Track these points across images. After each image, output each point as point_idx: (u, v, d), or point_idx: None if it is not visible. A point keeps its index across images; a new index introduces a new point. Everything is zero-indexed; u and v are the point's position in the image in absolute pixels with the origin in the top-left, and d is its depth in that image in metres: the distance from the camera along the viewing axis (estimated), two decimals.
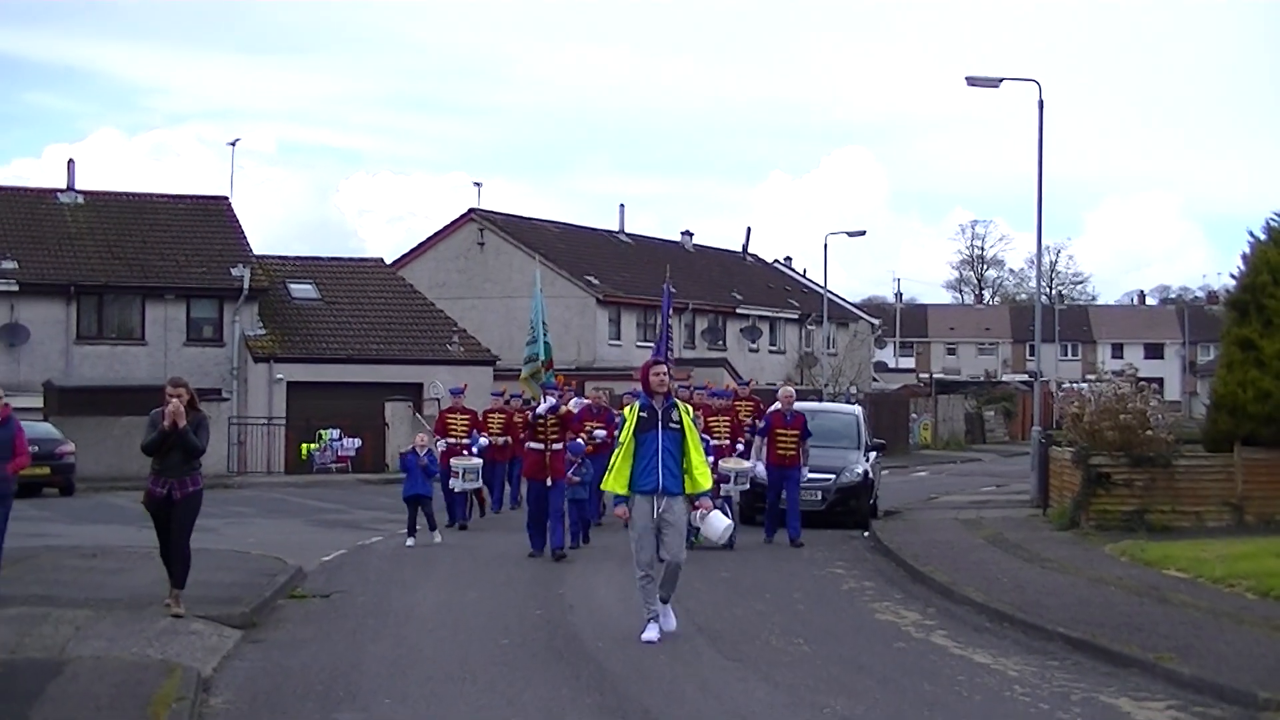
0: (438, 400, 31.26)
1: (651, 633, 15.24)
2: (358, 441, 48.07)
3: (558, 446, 23.11)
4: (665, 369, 15.78)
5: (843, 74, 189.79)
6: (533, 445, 23.26)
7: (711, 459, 22.04)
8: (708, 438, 23.92)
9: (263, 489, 42.38)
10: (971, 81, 34.65)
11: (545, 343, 28.19)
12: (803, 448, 25.65)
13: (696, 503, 15.55)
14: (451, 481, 26.97)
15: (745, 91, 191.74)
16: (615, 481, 15.38)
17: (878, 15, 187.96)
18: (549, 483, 22.68)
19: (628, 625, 16.41)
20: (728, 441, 26.15)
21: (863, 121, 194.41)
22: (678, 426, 15.32)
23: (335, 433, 47.94)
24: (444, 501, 27.43)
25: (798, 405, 26.98)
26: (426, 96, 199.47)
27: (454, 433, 28.22)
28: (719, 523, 16.25)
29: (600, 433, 27.48)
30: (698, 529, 16.73)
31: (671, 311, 26.29)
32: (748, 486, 25.63)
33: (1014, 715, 12.20)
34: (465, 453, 27.65)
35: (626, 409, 16.18)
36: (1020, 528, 26.16)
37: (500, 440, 29.29)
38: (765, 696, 12.77)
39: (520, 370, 27.58)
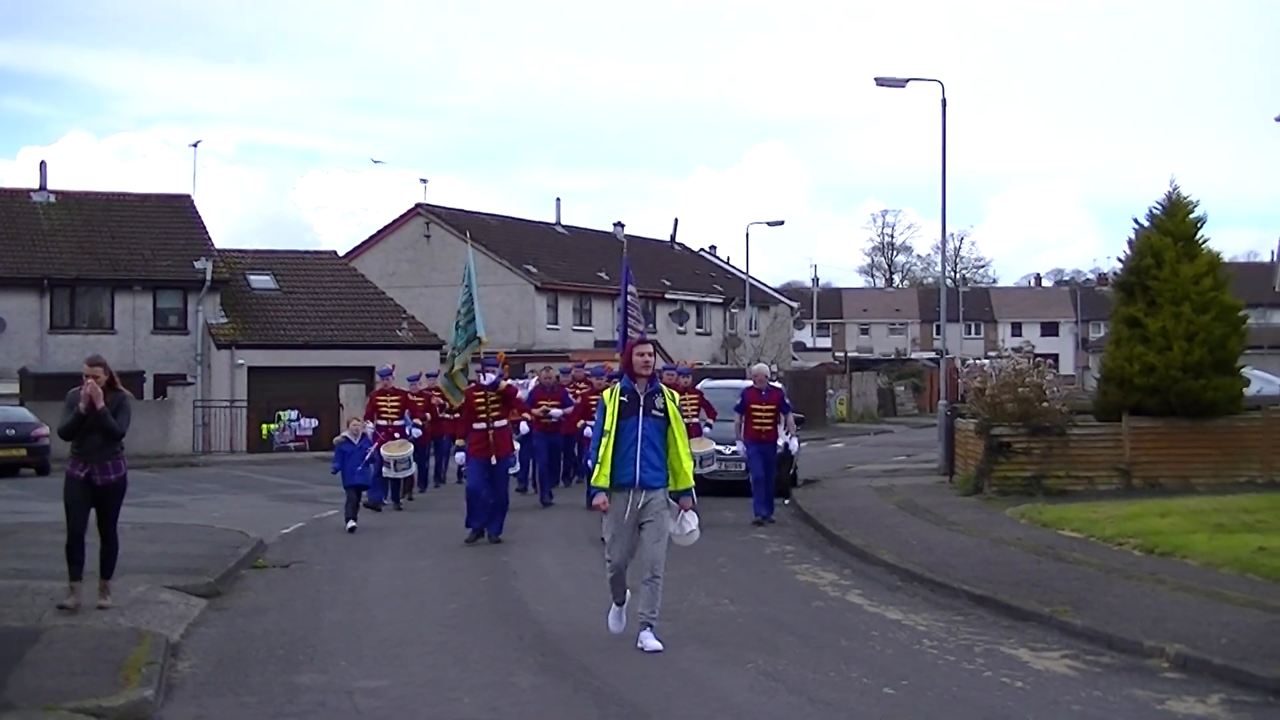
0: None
1: (616, 623, 13.39)
2: (314, 422, 47.98)
3: (501, 424, 21.22)
4: (650, 349, 13.52)
5: (762, 75, 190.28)
6: (476, 426, 21.12)
7: None
8: None
9: (226, 467, 42.26)
10: (880, 82, 34.74)
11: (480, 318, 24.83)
12: (785, 420, 24.38)
13: (678, 501, 13.15)
14: (384, 471, 25.23)
15: (672, 92, 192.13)
16: (599, 474, 12.94)
17: (794, 20, 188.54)
18: (493, 461, 21.00)
19: (567, 589, 16.54)
20: (695, 421, 25.14)
21: (781, 119, 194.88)
22: (661, 414, 13.00)
23: (293, 414, 47.84)
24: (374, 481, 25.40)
25: (719, 383, 28.03)
26: (376, 99, 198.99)
27: (385, 415, 26.36)
28: (690, 523, 13.24)
29: (556, 412, 27.10)
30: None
31: (632, 289, 24.73)
32: (715, 466, 25.07)
33: (923, 667, 12.25)
34: (397, 435, 25.87)
35: (606, 393, 13.56)
36: (929, 494, 26.26)
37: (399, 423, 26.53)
38: (694, 653, 12.78)
39: (455, 353, 24.96)
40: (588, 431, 22.97)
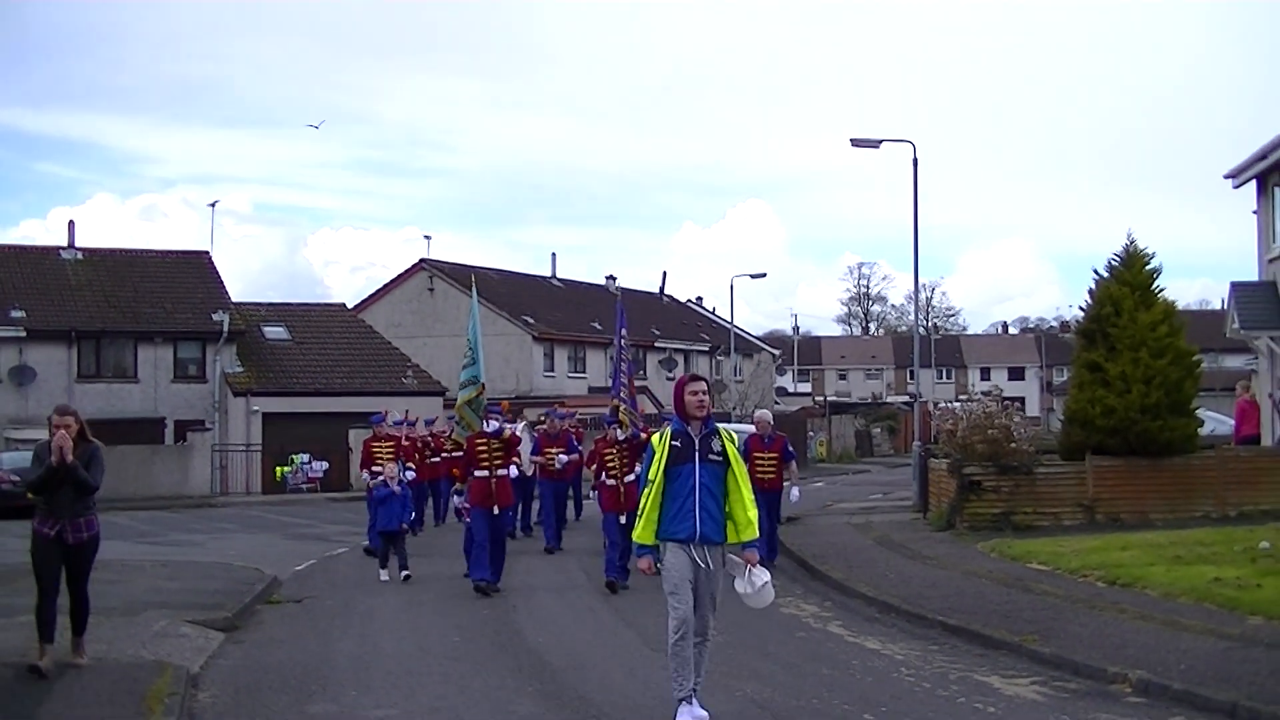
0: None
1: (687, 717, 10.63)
2: (325, 464, 48.03)
3: (502, 472, 19.46)
4: (704, 387, 11.20)
5: (744, 139, 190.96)
6: (478, 473, 19.37)
7: None
8: None
9: (242, 507, 42.15)
10: (855, 143, 34.82)
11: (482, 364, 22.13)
12: (789, 469, 22.98)
13: (743, 554, 10.97)
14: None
15: (661, 154, 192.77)
16: (643, 529, 10.80)
17: (774, 87, 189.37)
18: (495, 510, 19.28)
19: (564, 622, 16.47)
20: None
21: (763, 178, 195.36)
22: (719, 458, 10.85)
23: (305, 457, 47.84)
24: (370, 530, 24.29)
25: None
26: (383, 162, 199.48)
27: (380, 460, 24.77)
28: (759, 578, 11.10)
29: (563, 458, 25.59)
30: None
31: (625, 332, 22.86)
32: None
33: (901, 694, 12.22)
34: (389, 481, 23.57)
35: (654, 437, 11.26)
36: (904, 529, 26.20)
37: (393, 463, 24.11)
38: None
39: (457, 397, 22.29)
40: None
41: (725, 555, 10.97)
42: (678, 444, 10.89)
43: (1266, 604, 14.82)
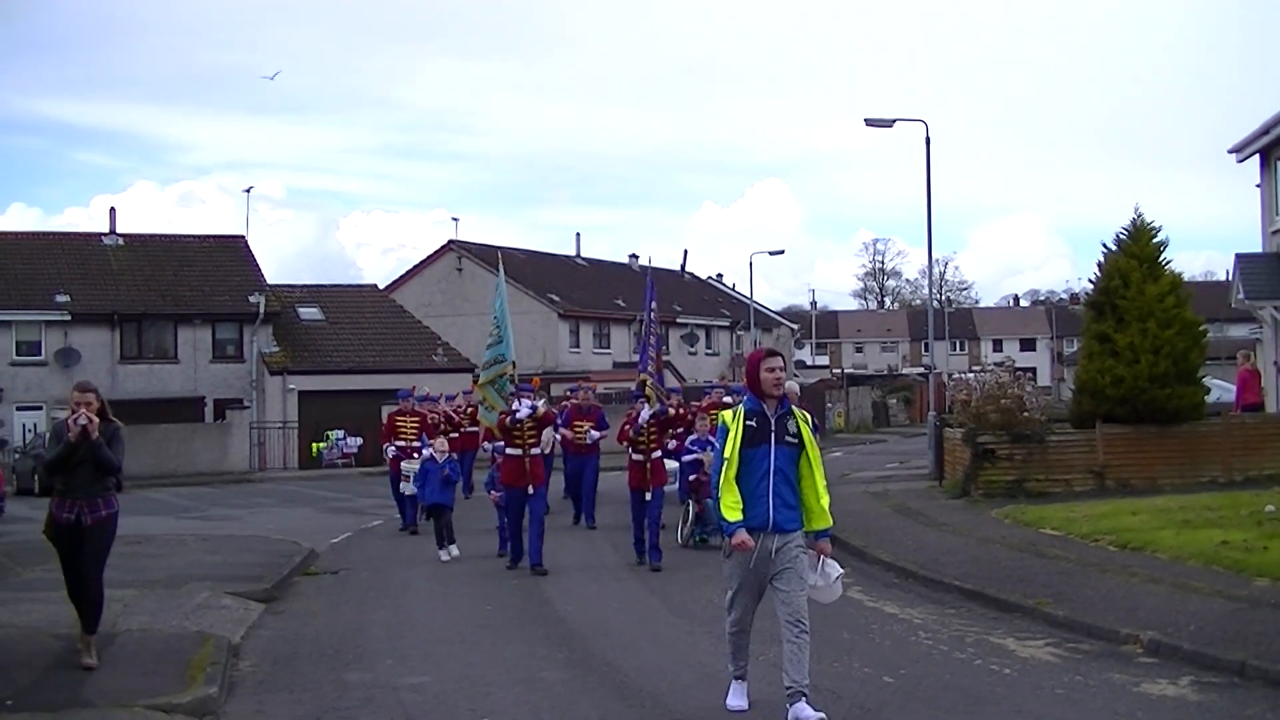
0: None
1: (738, 700, 10.25)
2: (359, 440, 48.07)
3: (536, 452, 18.47)
4: (780, 362, 10.06)
5: (762, 120, 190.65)
6: (510, 451, 18.54)
7: (702, 452, 20.36)
8: (711, 439, 20.73)
9: (280, 482, 42.29)
10: (869, 123, 34.76)
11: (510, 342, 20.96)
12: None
13: (816, 544, 10.10)
14: (403, 486, 23.87)
15: (681, 135, 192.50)
16: (729, 505, 9.68)
17: (791, 69, 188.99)
18: (530, 490, 18.26)
19: (590, 592, 16.46)
20: None
21: (780, 158, 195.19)
22: (795, 440, 9.86)
23: (340, 433, 47.94)
24: (395, 504, 24.88)
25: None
26: (412, 146, 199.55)
27: (404, 435, 24.73)
28: (834, 570, 10.21)
29: (595, 434, 24.22)
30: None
31: (655, 305, 21.89)
32: None
33: (919, 657, 12.21)
34: (416, 454, 23.69)
35: (728, 413, 10.07)
36: (920, 497, 26.15)
37: (416, 444, 24.27)
38: (710, 647, 12.73)
39: (480, 375, 21.40)
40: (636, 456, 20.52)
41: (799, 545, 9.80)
42: (752, 424, 9.78)
43: (1272, 566, 14.77)
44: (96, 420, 11.60)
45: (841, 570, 10.34)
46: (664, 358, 22.01)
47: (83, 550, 11.53)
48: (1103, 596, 14.19)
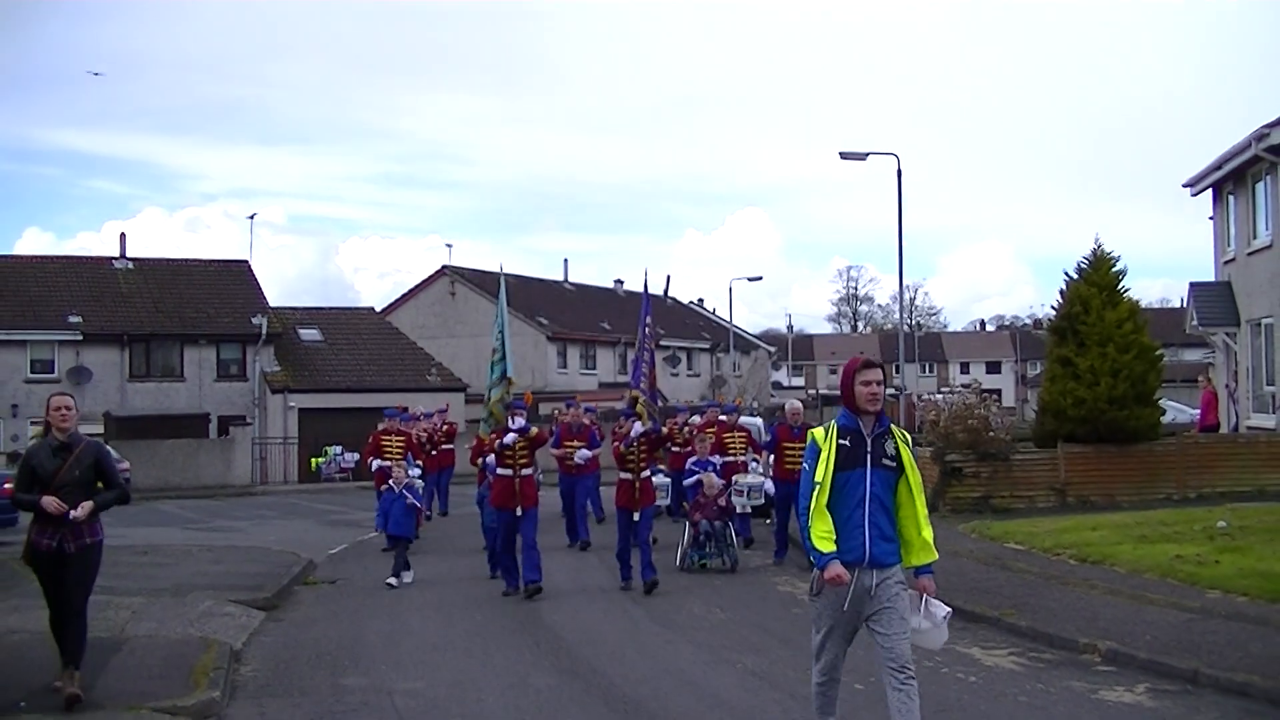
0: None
1: None
2: (356, 455, 47.82)
3: (527, 472, 17.23)
4: (879, 375, 8.38)
5: (743, 151, 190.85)
6: (501, 471, 17.21)
7: (723, 482, 19.96)
8: (712, 460, 20.91)
9: (280, 496, 42.20)
10: (844, 156, 34.89)
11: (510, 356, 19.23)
12: None
13: (917, 581, 8.53)
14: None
15: (664, 166, 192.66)
16: (821, 535, 8.16)
17: (770, 104, 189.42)
18: (519, 512, 16.98)
19: (578, 602, 16.43)
20: (743, 459, 22.35)
21: (759, 188, 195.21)
22: (894, 464, 8.27)
23: (338, 449, 47.68)
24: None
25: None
26: (408, 175, 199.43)
27: (389, 455, 23.49)
28: (939, 611, 8.54)
29: (584, 452, 22.54)
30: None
31: (650, 320, 19.69)
32: (761, 501, 21.22)
33: None
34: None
35: (818, 431, 8.50)
36: None
37: (404, 463, 21.68)
38: (690, 655, 12.77)
39: (486, 395, 19.19)
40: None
41: (898, 583, 8.38)
42: (846, 443, 8.26)
43: (1224, 579, 14.83)
44: (88, 512, 10.20)
45: (949, 610, 8.63)
46: (654, 379, 20.79)
47: (66, 579, 10.22)
48: (1064, 607, 14.23)
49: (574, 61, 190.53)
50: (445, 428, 28.29)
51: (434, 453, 26.57)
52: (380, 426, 25.30)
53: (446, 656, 12.98)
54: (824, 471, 8.22)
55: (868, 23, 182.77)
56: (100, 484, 10.55)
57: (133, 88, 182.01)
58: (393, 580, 18.33)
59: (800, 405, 21.24)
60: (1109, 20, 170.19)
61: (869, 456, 8.19)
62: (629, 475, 17.75)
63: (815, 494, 8.20)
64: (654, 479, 18.80)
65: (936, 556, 8.43)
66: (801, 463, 8.52)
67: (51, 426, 10.50)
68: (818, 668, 8.69)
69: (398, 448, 23.92)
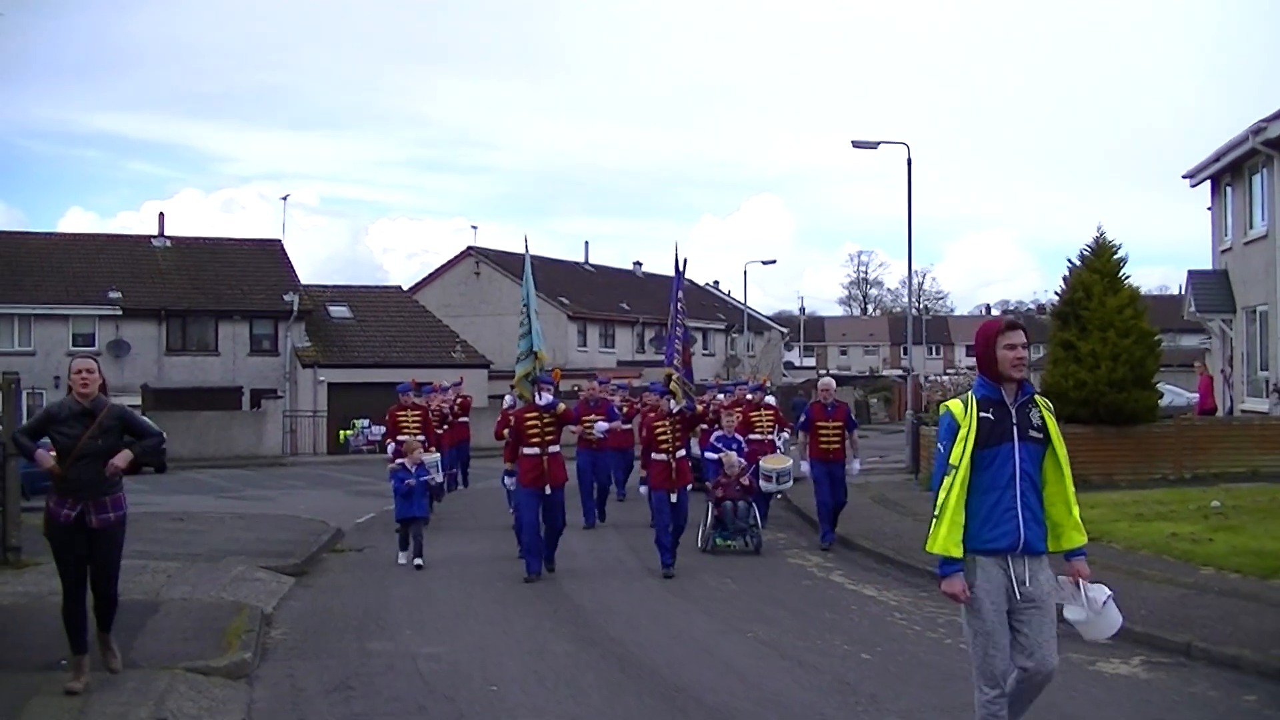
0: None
1: None
2: (383, 428, 47.96)
3: (555, 449, 16.10)
4: (1023, 338, 7.05)
5: (758, 139, 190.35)
6: (527, 450, 16.03)
7: (744, 461, 18.89)
8: (738, 437, 19.83)
9: (310, 467, 42.29)
10: (856, 144, 34.64)
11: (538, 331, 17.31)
12: (850, 439, 19.19)
13: (1069, 565, 7.19)
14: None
15: (683, 152, 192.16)
16: (946, 536, 6.84)
17: (785, 93, 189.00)
18: (548, 490, 15.93)
19: (595, 571, 16.43)
20: (770, 438, 21.34)
21: (774, 175, 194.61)
22: (1040, 435, 7.02)
23: (366, 422, 47.83)
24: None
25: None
26: (435, 160, 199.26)
27: (406, 430, 21.61)
28: (1100, 595, 7.25)
29: (602, 425, 21.23)
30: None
31: (682, 295, 18.05)
32: (790, 485, 20.26)
33: (894, 636, 12.24)
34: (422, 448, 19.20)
35: (953, 403, 7.21)
36: (898, 489, 26.15)
37: (419, 438, 20.39)
38: (704, 624, 12.79)
39: (515, 370, 17.35)
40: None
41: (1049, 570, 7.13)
42: (989, 415, 6.99)
43: (1217, 556, 14.81)
44: (125, 463, 9.31)
45: (1109, 591, 7.31)
46: (660, 357, 19.70)
47: (90, 557, 9.34)
48: None
49: (596, 52, 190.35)
50: (460, 401, 27.58)
51: (446, 427, 25.45)
52: (398, 403, 23.21)
53: (468, 623, 13.01)
54: (961, 452, 6.91)
55: (881, 16, 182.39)
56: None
57: (172, 75, 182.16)
58: (402, 557, 17.45)
59: (833, 382, 20.22)
60: (1114, 17, 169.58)
61: (1015, 429, 6.97)
62: (663, 456, 16.66)
63: (949, 482, 6.90)
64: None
65: (1086, 539, 7.19)
66: (937, 442, 7.18)
67: (73, 390, 9.39)
68: (988, 697, 6.99)
69: (414, 423, 22.29)
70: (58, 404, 9.43)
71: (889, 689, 9.89)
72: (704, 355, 75.66)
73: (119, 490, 9.46)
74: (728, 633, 12.36)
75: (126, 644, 10.54)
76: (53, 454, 9.17)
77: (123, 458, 9.21)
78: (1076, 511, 7.09)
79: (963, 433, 6.92)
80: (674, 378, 17.05)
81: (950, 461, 6.91)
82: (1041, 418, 7.03)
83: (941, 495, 6.87)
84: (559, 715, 9.12)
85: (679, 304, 17.80)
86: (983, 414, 6.96)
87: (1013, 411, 6.98)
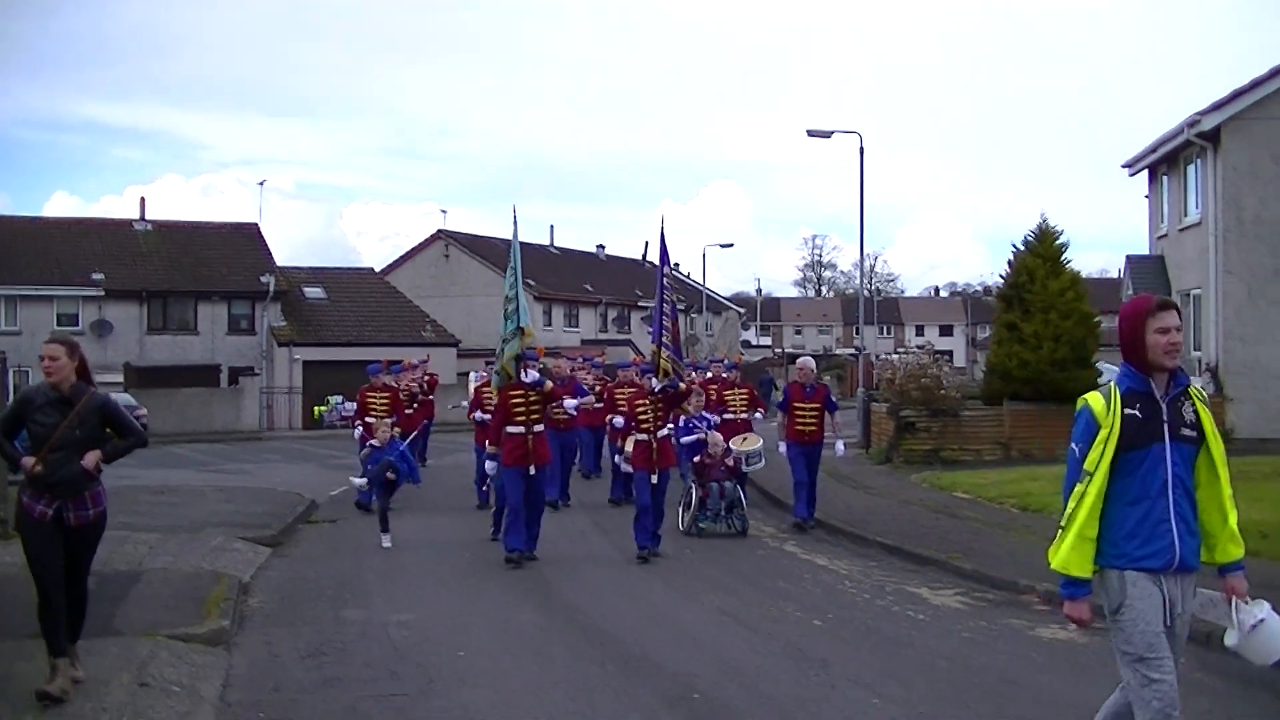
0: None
1: None
2: (355, 405, 47.82)
3: (539, 428, 15.09)
4: (1177, 318, 5.75)
5: (717, 128, 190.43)
6: (511, 429, 14.96)
7: (721, 442, 17.81)
8: (710, 415, 19.14)
9: (286, 441, 42.17)
10: (810, 133, 34.69)
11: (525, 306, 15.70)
12: (831, 421, 18.18)
13: (1227, 581, 5.81)
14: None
15: (643, 140, 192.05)
16: (1072, 550, 5.81)
17: (742, 84, 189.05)
18: (532, 470, 14.85)
19: (562, 544, 16.26)
20: (744, 416, 20.67)
21: (731, 162, 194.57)
22: (1194, 434, 5.73)
23: (339, 398, 47.61)
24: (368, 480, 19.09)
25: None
26: (406, 147, 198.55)
27: (374, 411, 20.86)
28: (1256, 613, 5.77)
29: (570, 403, 19.04)
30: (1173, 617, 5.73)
31: (668, 271, 17.00)
32: (761, 465, 18.83)
33: (845, 603, 12.29)
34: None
35: (1091, 397, 5.85)
36: (849, 464, 26.11)
37: (388, 421, 18.59)
38: (664, 594, 12.82)
39: (500, 348, 15.77)
40: (617, 422, 19.27)
41: (1197, 589, 5.84)
42: (1135, 412, 5.66)
43: None
44: (96, 456, 8.21)
45: (1267, 608, 5.82)
46: (624, 337, 18.48)
47: (70, 558, 8.26)
48: (1006, 552, 14.32)
49: (561, 44, 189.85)
50: (427, 379, 27.05)
51: (415, 406, 24.77)
52: (367, 384, 22.45)
53: (438, 593, 13.00)
54: (1099, 456, 5.65)
55: (836, 9, 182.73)
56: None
57: (155, 64, 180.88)
58: (385, 540, 16.26)
59: (812, 362, 19.23)
60: (1059, 10, 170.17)
61: (1166, 427, 5.67)
62: (644, 436, 15.59)
63: (1081, 490, 5.72)
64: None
65: (1243, 551, 5.82)
66: (1070, 442, 5.85)
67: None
68: (1155, 708, 5.55)
69: (383, 404, 21.54)
70: (34, 388, 8.42)
71: (840, 654, 9.93)
72: None
73: (98, 485, 8.36)
74: (686, 602, 12.39)
75: (109, 612, 10.52)
76: (31, 459, 8.09)
77: (91, 458, 8.12)
78: (1234, 519, 5.78)
79: (1103, 434, 5.66)
80: (664, 355, 15.81)
81: (1085, 467, 5.72)
82: (1196, 412, 5.74)
83: (1071, 504, 5.75)
84: (524, 680, 9.13)
85: (665, 280, 16.43)
86: (1128, 410, 5.67)
87: (1164, 407, 5.69)
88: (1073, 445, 5.82)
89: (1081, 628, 6.14)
